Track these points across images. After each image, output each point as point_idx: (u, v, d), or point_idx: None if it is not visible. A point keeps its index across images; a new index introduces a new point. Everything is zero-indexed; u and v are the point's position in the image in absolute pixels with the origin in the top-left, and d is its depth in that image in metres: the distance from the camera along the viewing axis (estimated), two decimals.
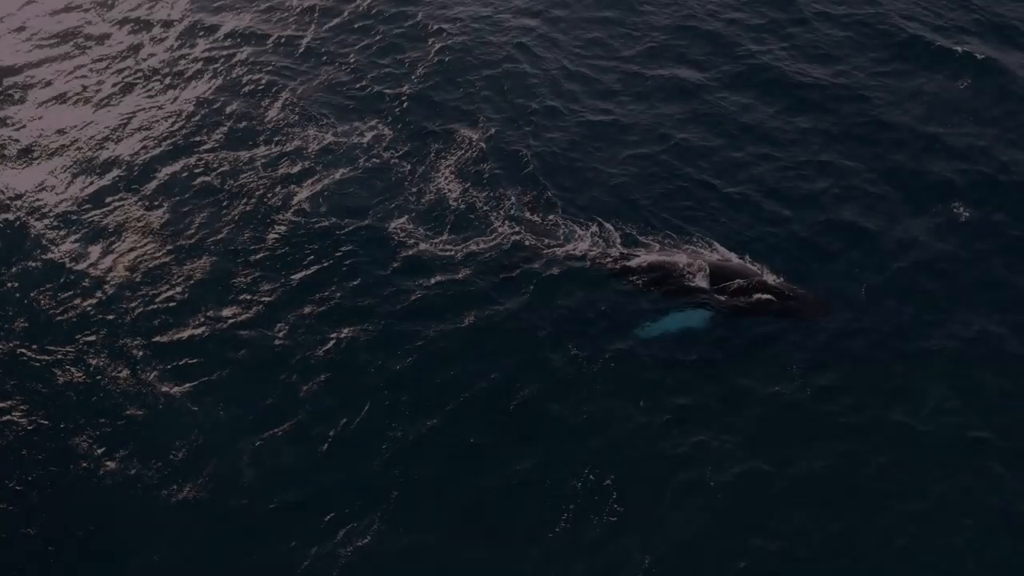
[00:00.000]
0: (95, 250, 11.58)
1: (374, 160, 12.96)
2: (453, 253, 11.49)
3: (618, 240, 11.63)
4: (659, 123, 13.92)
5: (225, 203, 12.27)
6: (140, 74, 14.83)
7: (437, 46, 15.46)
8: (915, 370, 10.36)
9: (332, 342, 10.40)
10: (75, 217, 12.07)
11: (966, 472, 9.41)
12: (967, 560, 8.71)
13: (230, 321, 10.65)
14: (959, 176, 12.81)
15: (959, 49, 15.04)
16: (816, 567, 8.64)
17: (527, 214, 12.01)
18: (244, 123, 13.69)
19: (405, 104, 14.08)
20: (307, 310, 10.78)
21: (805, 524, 8.87)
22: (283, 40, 15.70)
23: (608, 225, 11.82)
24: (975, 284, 11.41)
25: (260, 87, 14.47)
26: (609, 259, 11.34)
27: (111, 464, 9.24)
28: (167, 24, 16.08)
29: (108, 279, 11.17)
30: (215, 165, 12.88)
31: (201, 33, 15.85)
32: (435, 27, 15.91)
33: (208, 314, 10.74)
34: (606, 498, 8.96)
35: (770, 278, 10.93)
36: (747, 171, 13.00)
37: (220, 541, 8.72)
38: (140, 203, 12.27)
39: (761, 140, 13.57)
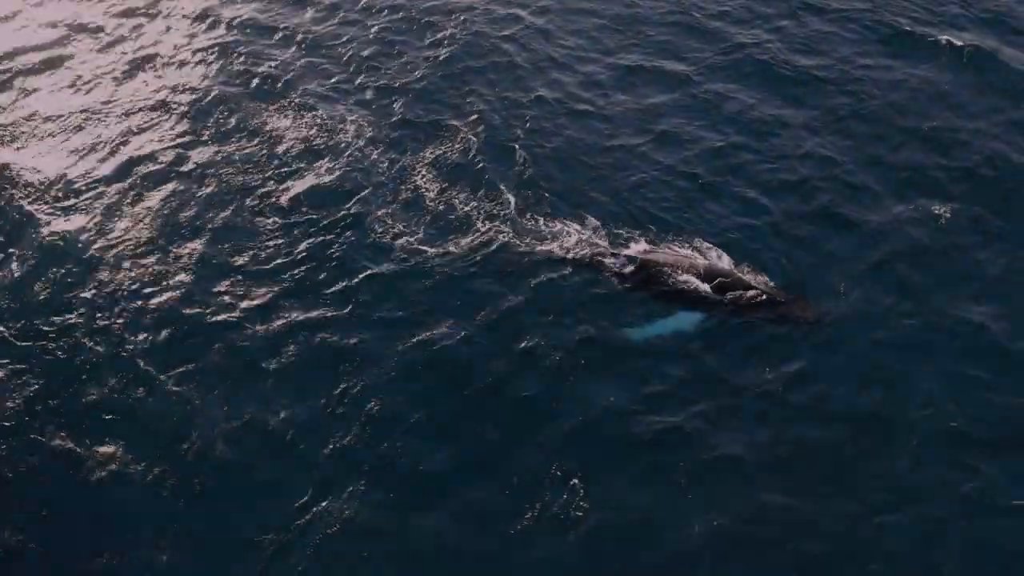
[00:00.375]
0: (74, 236, 11.67)
1: (360, 154, 13.02)
2: (437, 248, 11.51)
3: (608, 240, 11.61)
4: (648, 116, 13.95)
5: (210, 195, 12.34)
6: (135, 63, 14.93)
7: (428, 39, 15.57)
8: (895, 360, 10.38)
9: (310, 329, 10.52)
10: (60, 204, 12.17)
11: (943, 461, 9.44)
12: (938, 549, 8.76)
13: (208, 309, 10.73)
14: (943, 168, 12.86)
15: (945, 41, 15.07)
16: (781, 551, 8.71)
17: (520, 216, 11.96)
18: (235, 115, 13.80)
19: (392, 97, 14.17)
20: (287, 299, 10.87)
21: (771, 509, 8.94)
22: (277, 31, 15.82)
23: (598, 223, 11.79)
24: (958, 275, 11.43)
25: (252, 78, 14.57)
26: (599, 259, 11.29)
27: (91, 448, 9.36)
28: (164, 15, 16.19)
29: (91, 265, 11.28)
30: (202, 157, 12.97)
31: (195, 23, 15.97)
32: (424, 20, 16.00)
33: (185, 301, 10.82)
34: (575, 479, 9.05)
35: (761, 282, 10.93)
36: (736, 165, 12.99)
37: (197, 522, 8.84)
38: (122, 193, 12.32)
39: (750, 132, 13.58)
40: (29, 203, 12.15)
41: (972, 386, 10.14)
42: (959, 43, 15.03)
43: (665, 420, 9.64)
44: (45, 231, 11.71)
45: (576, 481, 9.02)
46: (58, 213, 12.02)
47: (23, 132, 13.45)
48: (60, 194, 12.32)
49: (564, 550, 8.60)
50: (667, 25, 16.02)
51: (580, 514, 8.82)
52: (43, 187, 12.42)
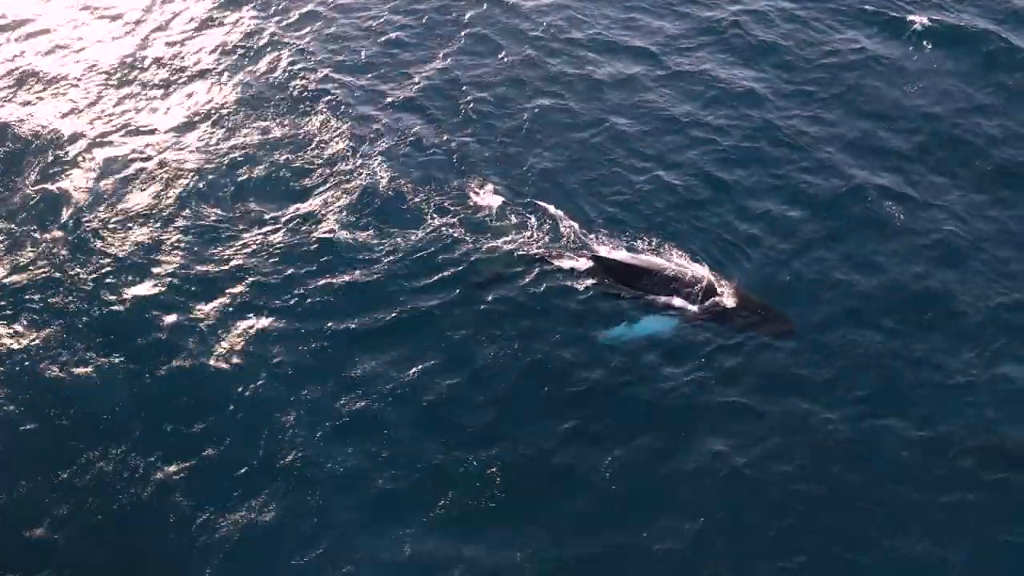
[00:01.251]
0: (60, 208, 11.99)
1: (312, 147, 13.03)
2: (397, 240, 11.55)
3: (583, 242, 11.61)
4: (619, 98, 14.11)
5: (168, 182, 12.46)
6: (130, 42, 15.19)
7: (398, 11, 15.71)
8: (845, 330, 10.66)
9: (284, 308, 10.87)
10: (49, 173, 12.47)
11: (886, 428, 9.75)
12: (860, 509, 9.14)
13: (149, 300, 10.89)
14: (903, 146, 13.11)
15: (914, 21, 15.21)
16: (714, 504, 9.10)
17: (489, 211, 11.98)
18: (225, 101, 13.96)
19: (350, 90, 14.17)
20: (256, 284, 11.12)
21: (698, 510, 9.10)
22: (273, 17, 15.89)
23: (575, 225, 11.78)
24: (914, 247, 11.68)
25: (241, 64, 14.73)
26: (576, 262, 11.29)
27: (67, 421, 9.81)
28: None
29: (75, 236, 11.66)
30: (185, 141, 13.18)
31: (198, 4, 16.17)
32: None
33: (130, 288, 11.04)
34: (497, 483, 9.28)
35: (739, 292, 10.94)
36: (701, 143, 13.18)
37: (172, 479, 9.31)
38: (100, 176, 12.53)
39: (716, 112, 13.76)
40: (16, 175, 12.53)
41: (921, 355, 10.41)
42: (928, 23, 15.15)
43: (604, 382, 10.03)
44: (32, 200, 12.05)
45: (500, 484, 9.23)
46: (47, 180, 12.36)
47: (17, 105, 13.78)
48: (49, 163, 12.65)
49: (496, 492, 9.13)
50: (641, 3, 16.17)
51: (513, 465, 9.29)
52: (34, 157, 12.77)
